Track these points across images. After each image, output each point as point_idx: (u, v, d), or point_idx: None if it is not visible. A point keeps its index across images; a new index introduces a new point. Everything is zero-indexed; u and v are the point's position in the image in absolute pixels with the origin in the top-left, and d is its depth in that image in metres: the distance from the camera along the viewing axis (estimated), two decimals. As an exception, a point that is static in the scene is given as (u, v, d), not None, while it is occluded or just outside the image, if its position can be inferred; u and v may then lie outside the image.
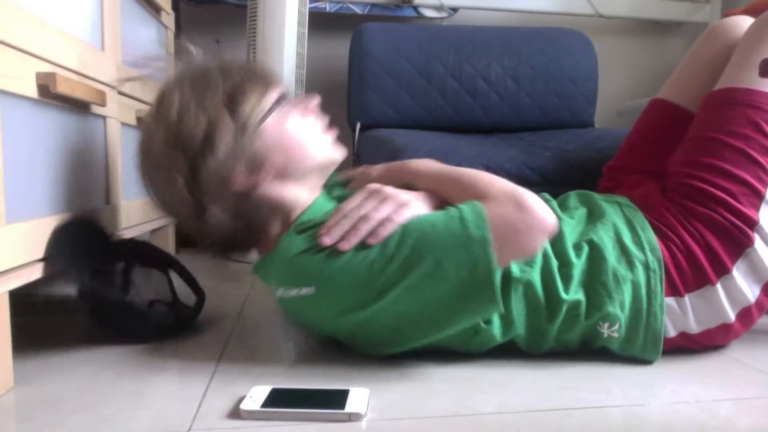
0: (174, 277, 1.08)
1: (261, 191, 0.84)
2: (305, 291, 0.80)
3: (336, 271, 0.78)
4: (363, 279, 0.77)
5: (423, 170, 0.91)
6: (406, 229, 0.78)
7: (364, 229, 0.79)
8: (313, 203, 0.88)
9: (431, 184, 0.89)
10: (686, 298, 0.87)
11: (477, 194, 0.82)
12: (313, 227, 0.83)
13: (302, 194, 0.88)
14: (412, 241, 0.77)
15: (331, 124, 0.93)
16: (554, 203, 0.98)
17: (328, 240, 0.79)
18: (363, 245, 0.78)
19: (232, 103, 0.83)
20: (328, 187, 0.95)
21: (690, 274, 0.87)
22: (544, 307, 0.85)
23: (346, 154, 0.94)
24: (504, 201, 0.80)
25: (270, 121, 0.85)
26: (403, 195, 0.82)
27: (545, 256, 0.86)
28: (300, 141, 0.87)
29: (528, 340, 0.87)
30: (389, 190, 0.83)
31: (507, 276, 0.84)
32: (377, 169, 0.98)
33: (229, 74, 0.85)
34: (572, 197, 1.02)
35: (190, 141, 0.81)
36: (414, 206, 0.82)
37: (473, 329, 0.83)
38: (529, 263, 0.85)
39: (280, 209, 0.86)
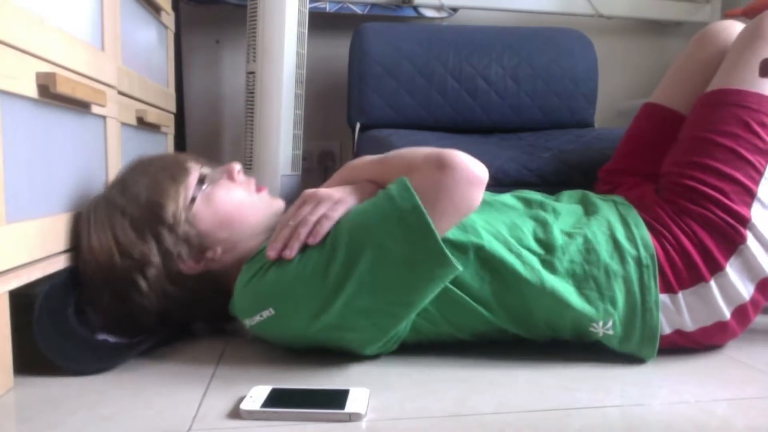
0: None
1: (214, 266, 0.89)
2: (266, 314, 0.81)
3: (286, 283, 0.79)
4: (312, 282, 0.78)
5: (357, 165, 0.92)
6: (340, 224, 0.80)
7: (303, 232, 0.80)
8: (266, 240, 0.90)
9: (367, 175, 0.90)
10: (680, 295, 0.88)
11: (404, 169, 0.82)
12: (259, 253, 0.85)
13: (257, 242, 0.91)
14: (348, 233, 0.78)
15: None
16: (536, 195, 0.99)
17: (272, 253, 0.80)
18: (305, 249, 0.80)
19: (148, 215, 0.86)
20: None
21: (684, 272, 0.88)
22: (525, 286, 0.85)
23: (284, 203, 0.96)
24: (426, 167, 0.80)
25: (197, 206, 0.88)
26: (336, 193, 0.84)
27: (527, 247, 0.87)
28: (233, 210, 0.90)
29: (514, 320, 0.87)
30: (322, 191, 0.84)
31: (481, 255, 0.85)
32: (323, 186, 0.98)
33: (134, 190, 0.88)
34: (566, 194, 1.03)
35: (116, 278, 0.86)
36: (349, 201, 0.83)
37: (452, 301, 0.84)
38: (464, 227, 0.86)
39: (239, 265, 0.88)
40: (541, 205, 0.95)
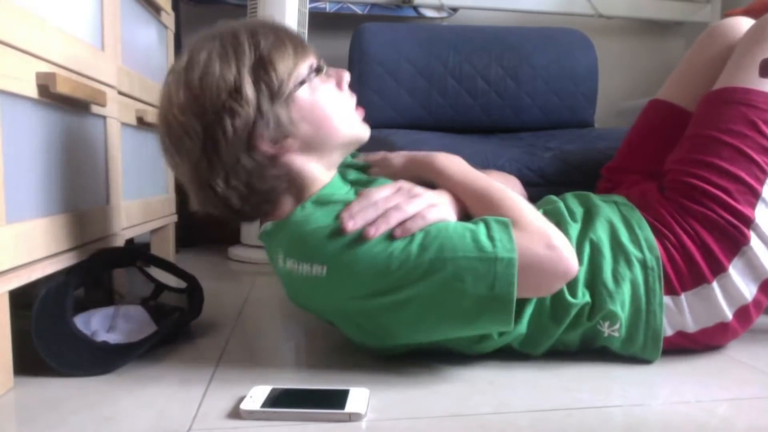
0: (165, 275, 1.08)
1: (284, 160, 0.83)
2: (317, 270, 0.78)
3: (354, 257, 0.76)
4: (379, 270, 0.76)
5: (449, 173, 0.89)
6: (432, 233, 0.77)
7: (397, 218, 0.77)
8: (330, 181, 0.87)
9: (456, 189, 0.86)
10: (682, 297, 0.87)
11: (505, 216, 0.80)
12: (333, 203, 0.81)
13: (320, 170, 0.87)
14: (437, 246, 0.75)
15: (359, 103, 0.92)
16: (561, 204, 0.97)
17: (351, 225, 0.77)
18: (387, 236, 0.77)
19: (261, 69, 0.81)
20: (342, 168, 0.93)
21: (686, 273, 0.88)
22: (549, 310, 0.85)
23: (369, 134, 0.92)
24: (535, 235, 0.78)
25: (302, 91, 0.84)
26: (434, 196, 0.81)
27: None
28: (330, 114, 0.85)
29: (527, 341, 0.87)
30: (419, 189, 0.82)
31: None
32: (399, 157, 0.95)
33: (261, 40, 0.83)
34: (570, 198, 1.01)
35: (210, 106, 0.79)
36: (444, 209, 0.80)
37: (479, 337, 0.84)
38: None
39: (297, 181, 0.84)
40: (558, 214, 0.93)
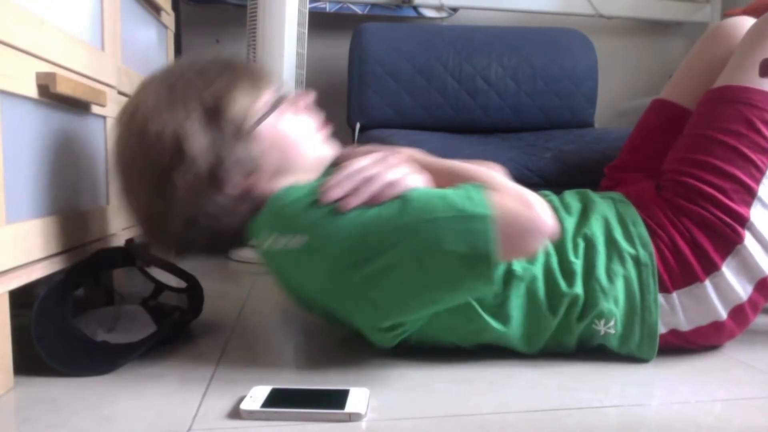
0: (166, 275, 1.08)
1: (256, 191, 0.84)
2: (295, 241, 0.77)
3: (332, 227, 0.76)
4: (357, 238, 0.75)
5: (419, 158, 0.90)
6: (408, 196, 0.77)
7: (369, 190, 0.77)
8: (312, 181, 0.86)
9: (427, 169, 0.87)
10: (674, 296, 0.87)
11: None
12: (309, 183, 0.81)
13: (300, 179, 0.87)
14: (412, 210, 0.75)
15: (327, 119, 0.93)
16: (554, 197, 0.98)
17: (327, 197, 0.77)
18: (363, 205, 0.77)
19: (215, 114, 0.81)
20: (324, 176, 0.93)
21: (678, 271, 0.88)
22: (545, 302, 0.85)
23: (339, 150, 0.94)
24: (511, 195, 0.78)
25: (264, 124, 0.84)
26: (408, 168, 0.81)
27: (546, 252, 0.87)
28: (294, 141, 0.87)
29: (524, 338, 0.87)
30: (395, 159, 0.81)
31: (509, 273, 0.84)
32: (365, 149, 0.95)
33: (215, 81, 0.83)
34: (567, 195, 1.02)
35: (157, 161, 0.80)
36: (418, 178, 0.81)
37: (465, 316, 0.83)
38: (531, 260, 0.85)
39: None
40: (552, 208, 0.93)
